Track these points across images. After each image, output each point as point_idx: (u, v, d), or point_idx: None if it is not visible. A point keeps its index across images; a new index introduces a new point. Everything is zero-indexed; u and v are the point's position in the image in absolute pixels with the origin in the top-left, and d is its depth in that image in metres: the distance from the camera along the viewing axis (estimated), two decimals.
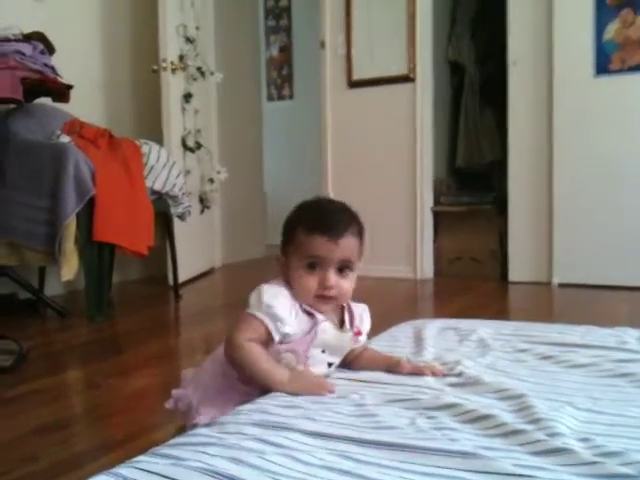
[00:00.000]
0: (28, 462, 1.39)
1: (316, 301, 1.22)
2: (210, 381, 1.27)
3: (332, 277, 1.21)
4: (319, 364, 1.24)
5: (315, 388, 1.15)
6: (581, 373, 1.28)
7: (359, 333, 1.30)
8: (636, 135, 3.61)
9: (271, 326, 1.17)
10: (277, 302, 1.19)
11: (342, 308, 1.29)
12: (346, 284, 1.23)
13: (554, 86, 3.76)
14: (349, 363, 1.32)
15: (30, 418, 1.69)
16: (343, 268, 1.22)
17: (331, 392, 1.15)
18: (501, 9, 3.99)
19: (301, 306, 1.22)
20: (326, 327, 1.22)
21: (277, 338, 1.19)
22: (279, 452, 0.88)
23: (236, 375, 1.22)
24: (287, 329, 1.19)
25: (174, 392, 1.34)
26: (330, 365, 1.27)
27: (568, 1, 3.71)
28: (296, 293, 1.23)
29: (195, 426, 1.20)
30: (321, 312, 1.23)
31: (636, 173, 3.61)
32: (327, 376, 1.26)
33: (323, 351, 1.24)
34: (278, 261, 1.28)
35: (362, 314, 1.32)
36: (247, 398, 1.18)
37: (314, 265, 1.21)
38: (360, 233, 1.25)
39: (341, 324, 1.28)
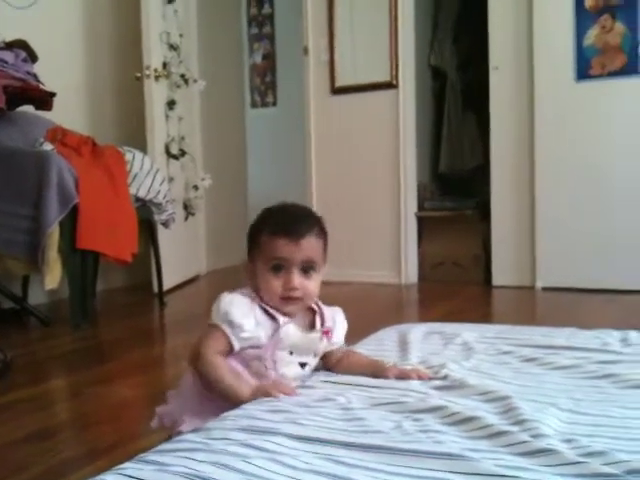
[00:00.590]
0: (16, 471, 1.38)
1: (282, 303, 1.23)
2: (191, 392, 1.27)
3: (296, 278, 1.22)
4: (289, 365, 1.25)
5: (271, 390, 1.15)
6: (564, 375, 1.29)
7: (327, 332, 1.30)
8: (617, 139, 3.65)
9: (229, 333, 1.19)
10: (233, 308, 1.20)
11: (313, 311, 1.30)
12: (311, 285, 1.24)
13: (535, 91, 3.79)
14: (332, 367, 1.32)
15: (15, 427, 1.68)
16: (307, 269, 1.24)
17: (286, 394, 1.15)
18: (482, 14, 4.02)
19: (263, 309, 1.23)
20: (289, 329, 1.23)
21: (237, 346, 1.20)
22: (265, 456, 0.88)
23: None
24: (245, 334, 1.20)
25: (158, 409, 1.33)
26: (303, 366, 1.27)
27: (548, 7, 3.74)
28: (264, 296, 1.24)
29: (180, 434, 1.20)
30: (289, 314, 1.24)
31: (617, 177, 3.64)
32: (303, 377, 1.26)
33: (291, 353, 1.24)
34: (246, 268, 1.30)
35: (335, 316, 1.33)
36: (228, 406, 1.18)
37: (279, 267, 1.23)
38: (323, 235, 1.27)
39: (312, 326, 1.28)
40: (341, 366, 1.32)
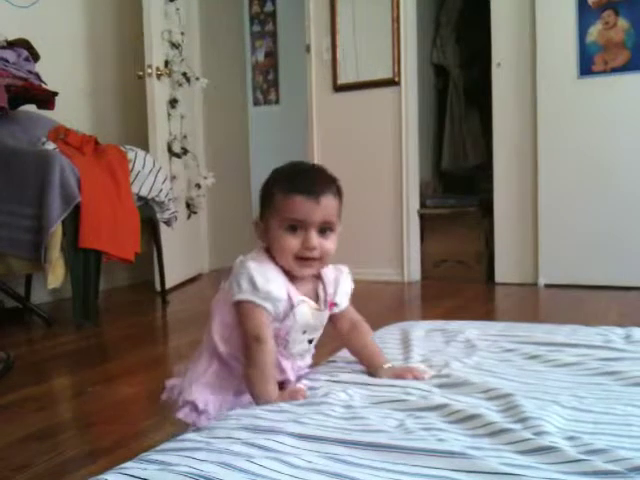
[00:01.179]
0: (19, 470, 1.38)
1: (297, 263, 1.19)
2: (205, 368, 1.26)
3: (314, 237, 1.18)
4: (300, 344, 1.24)
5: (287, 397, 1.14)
6: (567, 372, 1.29)
7: (333, 305, 1.27)
8: (619, 136, 3.64)
9: (271, 309, 1.16)
10: (272, 286, 1.16)
11: (316, 277, 1.26)
12: (328, 244, 1.20)
13: (538, 88, 3.79)
14: (343, 335, 1.32)
15: (18, 426, 1.68)
16: (325, 229, 1.19)
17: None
18: (485, 11, 4.02)
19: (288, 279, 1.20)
20: (304, 309, 1.20)
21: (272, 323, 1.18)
22: (268, 455, 0.88)
23: (233, 362, 1.22)
24: (280, 309, 1.17)
25: (168, 382, 1.33)
26: (310, 342, 1.26)
27: (551, 3, 3.74)
28: (278, 257, 1.20)
29: (188, 404, 1.22)
30: (301, 276, 1.21)
31: (620, 173, 3.64)
32: (308, 351, 1.27)
33: (304, 332, 1.23)
34: (257, 227, 1.25)
35: (338, 277, 1.29)
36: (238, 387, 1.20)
37: (295, 227, 1.18)
38: (340, 194, 1.23)
39: (315, 293, 1.25)
40: (350, 341, 1.32)
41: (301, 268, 1.20)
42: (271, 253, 1.21)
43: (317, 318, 1.24)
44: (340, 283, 1.28)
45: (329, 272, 1.27)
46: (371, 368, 1.28)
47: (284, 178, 1.21)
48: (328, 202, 1.18)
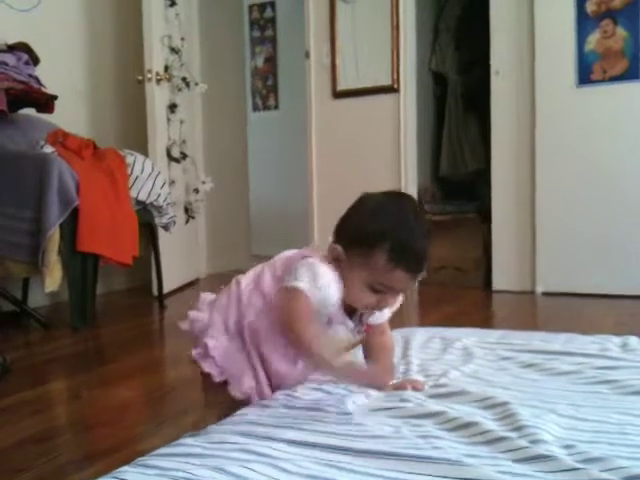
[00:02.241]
0: (15, 474, 1.38)
1: (362, 309, 1.20)
2: (228, 313, 1.26)
3: (392, 299, 1.18)
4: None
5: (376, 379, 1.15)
6: (564, 380, 1.29)
7: (369, 329, 1.26)
8: (618, 144, 3.65)
9: (315, 306, 1.14)
10: (330, 292, 1.15)
11: None
12: (399, 299, 1.22)
13: (536, 96, 3.79)
14: (368, 343, 1.29)
15: (15, 430, 1.68)
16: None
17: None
18: (483, 19, 4.03)
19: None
20: (339, 331, 1.20)
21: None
22: (263, 461, 0.88)
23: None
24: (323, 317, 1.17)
25: (191, 314, 1.32)
26: None
27: (549, 12, 3.75)
28: (346, 292, 1.17)
29: (205, 346, 1.23)
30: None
31: (619, 181, 3.64)
32: None
33: None
34: (334, 252, 1.19)
35: None
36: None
37: (382, 290, 1.16)
38: None
39: (359, 316, 1.23)
40: (371, 349, 1.29)
41: (362, 310, 1.21)
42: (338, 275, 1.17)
43: (347, 341, 1.23)
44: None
45: None
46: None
47: (395, 239, 1.13)
48: (421, 275, 1.18)
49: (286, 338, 1.17)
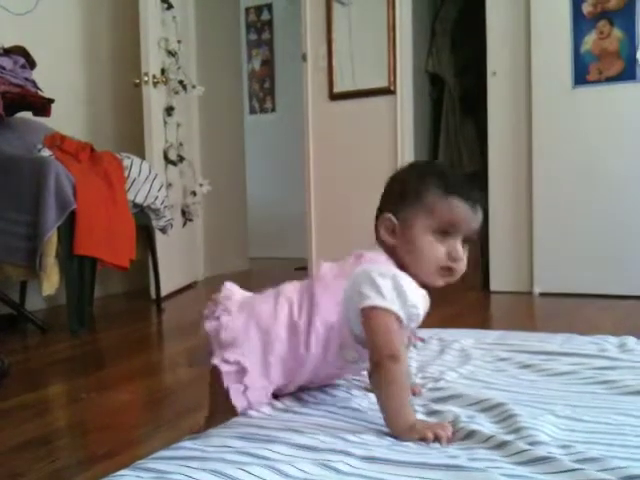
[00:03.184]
0: (13, 478, 1.38)
1: (439, 274, 1.09)
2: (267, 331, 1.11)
3: (461, 248, 1.08)
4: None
5: (428, 433, 0.98)
6: (561, 381, 1.29)
7: (421, 339, 1.23)
8: (614, 145, 3.66)
9: (405, 323, 1.04)
10: (417, 299, 1.05)
11: None
12: (466, 258, 1.10)
13: (533, 97, 3.80)
14: None
15: (13, 434, 1.67)
16: (466, 241, 1.10)
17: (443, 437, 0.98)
18: (480, 21, 4.03)
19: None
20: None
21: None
22: (261, 464, 0.88)
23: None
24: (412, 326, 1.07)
25: (223, 319, 1.14)
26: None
27: (545, 13, 3.75)
28: (416, 264, 1.08)
29: (238, 365, 1.09)
30: (433, 287, 1.11)
31: (615, 182, 3.65)
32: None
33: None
34: (387, 224, 1.12)
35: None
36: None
37: (446, 232, 1.07)
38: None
39: None
40: None
41: (441, 279, 1.10)
42: (397, 255, 1.09)
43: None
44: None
45: None
46: None
47: (443, 177, 1.09)
48: (481, 215, 1.09)
49: (375, 366, 1.04)
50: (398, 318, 1.03)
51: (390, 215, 1.12)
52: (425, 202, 1.07)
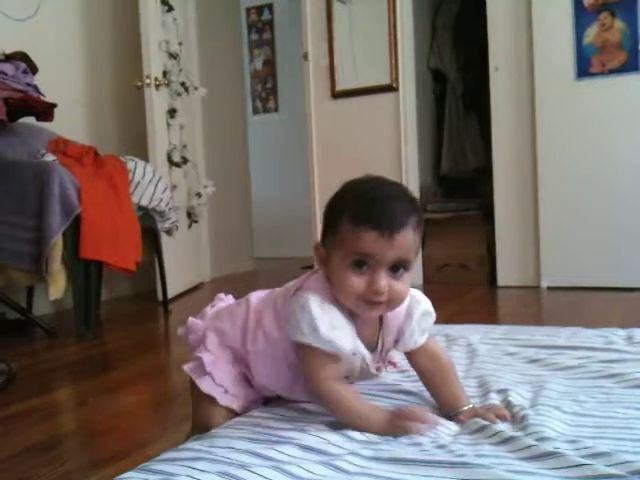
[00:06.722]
0: None
1: (360, 305, 1.02)
2: (232, 328, 1.17)
3: (383, 280, 0.99)
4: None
5: (414, 427, 0.99)
6: (569, 375, 1.28)
7: (393, 365, 1.19)
8: (618, 137, 3.64)
9: (335, 352, 1.03)
10: (337, 334, 1.01)
11: (379, 319, 1.11)
12: (399, 287, 1.01)
13: (536, 91, 3.79)
14: (422, 374, 1.16)
15: (21, 438, 1.68)
16: (397, 268, 1.01)
17: (430, 424, 0.99)
18: (481, 16, 4.02)
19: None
20: (352, 360, 1.07)
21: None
22: (268, 465, 0.87)
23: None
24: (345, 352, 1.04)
25: (190, 319, 1.26)
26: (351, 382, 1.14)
27: (547, 6, 3.74)
28: (338, 295, 1.03)
29: (199, 360, 1.17)
30: (363, 318, 1.06)
31: (620, 174, 3.63)
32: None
33: (347, 377, 1.10)
34: (317, 252, 1.07)
35: (402, 328, 1.11)
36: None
37: (362, 263, 0.99)
38: (420, 226, 1.03)
39: (376, 342, 1.11)
40: (426, 377, 1.15)
41: (364, 312, 1.03)
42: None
43: (365, 374, 1.12)
44: (405, 332, 1.11)
45: (394, 317, 1.10)
46: (448, 410, 1.10)
47: (354, 204, 1.02)
48: (404, 238, 0.99)
49: (314, 396, 1.07)
50: (318, 350, 1.03)
51: (319, 244, 1.08)
52: (337, 234, 1.02)
